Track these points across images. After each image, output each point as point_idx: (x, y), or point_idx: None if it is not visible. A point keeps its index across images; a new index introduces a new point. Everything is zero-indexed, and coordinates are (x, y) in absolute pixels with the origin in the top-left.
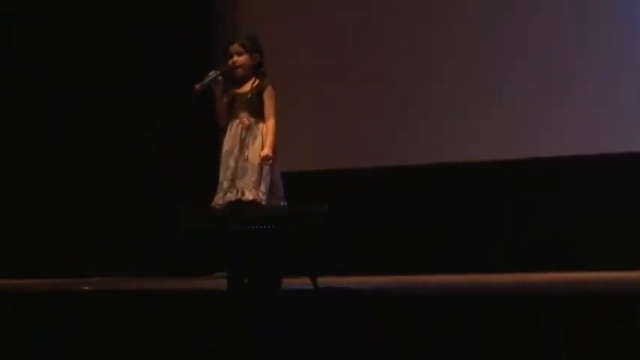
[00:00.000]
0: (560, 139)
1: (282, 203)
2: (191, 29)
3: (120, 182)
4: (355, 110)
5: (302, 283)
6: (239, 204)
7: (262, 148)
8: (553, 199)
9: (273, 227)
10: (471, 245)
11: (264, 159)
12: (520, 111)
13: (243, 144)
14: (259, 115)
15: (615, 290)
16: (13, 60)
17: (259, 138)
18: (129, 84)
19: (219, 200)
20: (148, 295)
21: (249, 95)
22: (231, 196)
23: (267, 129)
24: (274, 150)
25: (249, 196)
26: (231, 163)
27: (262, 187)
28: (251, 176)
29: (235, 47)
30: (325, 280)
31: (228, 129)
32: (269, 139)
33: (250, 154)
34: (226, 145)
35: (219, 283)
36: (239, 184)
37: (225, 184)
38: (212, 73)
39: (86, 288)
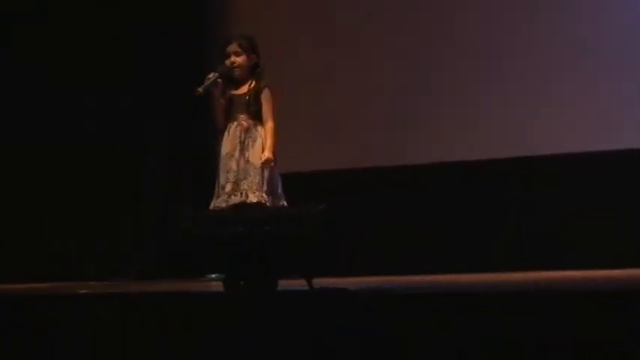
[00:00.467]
0: (561, 136)
1: (282, 204)
2: (191, 29)
3: (120, 183)
4: (354, 111)
5: (299, 284)
6: (244, 206)
7: (262, 151)
8: (555, 197)
9: (272, 228)
10: (470, 245)
11: (266, 162)
12: (520, 109)
13: (242, 146)
14: (257, 117)
15: (615, 288)
16: (13, 60)
17: (259, 140)
18: (129, 84)
19: (222, 203)
20: (147, 297)
21: (247, 97)
22: (235, 199)
23: (266, 132)
24: (274, 152)
25: (253, 198)
26: (233, 165)
27: (265, 189)
28: (254, 178)
29: (233, 47)
30: (324, 281)
31: (226, 131)
32: (269, 142)
33: (251, 156)
34: (225, 147)
35: (214, 284)
36: (243, 186)
37: (229, 187)
38: (211, 75)
39: (84, 291)
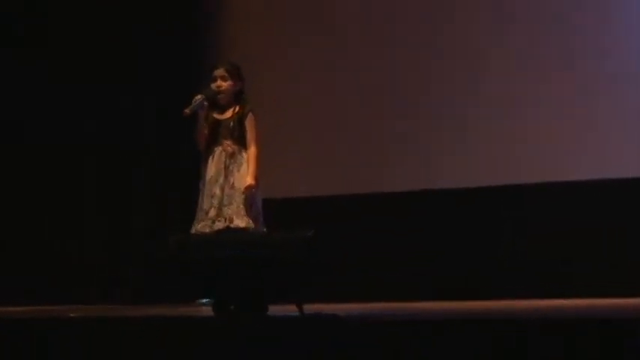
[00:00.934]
0: (546, 164)
1: (264, 230)
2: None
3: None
4: (339, 137)
5: (288, 310)
6: (229, 231)
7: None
8: (539, 225)
9: (259, 253)
10: (456, 271)
11: (248, 189)
12: (507, 137)
13: (227, 171)
14: (242, 142)
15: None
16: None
17: (244, 165)
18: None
19: (205, 228)
20: (137, 322)
21: (232, 122)
22: (219, 225)
23: (249, 157)
24: (256, 178)
25: (239, 223)
26: (217, 191)
27: (250, 214)
28: (239, 203)
29: (220, 72)
30: (311, 307)
31: (210, 156)
32: (251, 168)
33: (236, 181)
34: (210, 172)
35: (204, 309)
36: (227, 211)
37: (212, 212)
38: (198, 97)
39: (73, 315)
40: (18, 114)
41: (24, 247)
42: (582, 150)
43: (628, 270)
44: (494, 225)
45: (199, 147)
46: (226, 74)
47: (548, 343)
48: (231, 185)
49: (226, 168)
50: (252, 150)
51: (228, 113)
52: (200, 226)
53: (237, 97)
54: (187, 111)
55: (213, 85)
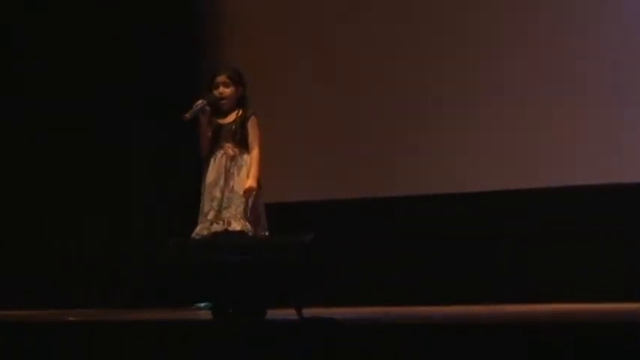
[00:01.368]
0: (545, 169)
1: (265, 233)
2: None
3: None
4: (339, 141)
5: (287, 313)
6: (227, 234)
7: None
8: (538, 230)
9: (256, 257)
10: (455, 275)
11: (248, 191)
12: (506, 142)
13: (228, 174)
14: (244, 146)
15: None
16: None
17: (244, 168)
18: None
19: (203, 231)
20: (135, 326)
21: (234, 126)
22: (217, 227)
23: (251, 160)
24: (258, 181)
25: (236, 226)
26: (217, 193)
27: (249, 218)
28: (238, 207)
29: (222, 78)
30: (310, 311)
31: (212, 159)
32: (253, 171)
33: (236, 184)
34: (210, 175)
35: (203, 313)
36: (225, 214)
37: (211, 215)
38: (200, 102)
39: (71, 318)
40: (18, 114)
41: (24, 247)
42: (586, 154)
43: (625, 275)
44: (493, 229)
45: (202, 151)
46: (228, 80)
47: (549, 347)
48: (231, 188)
49: (227, 171)
50: (254, 152)
51: (231, 117)
52: (199, 229)
53: (240, 102)
54: (187, 115)
55: (216, 92)
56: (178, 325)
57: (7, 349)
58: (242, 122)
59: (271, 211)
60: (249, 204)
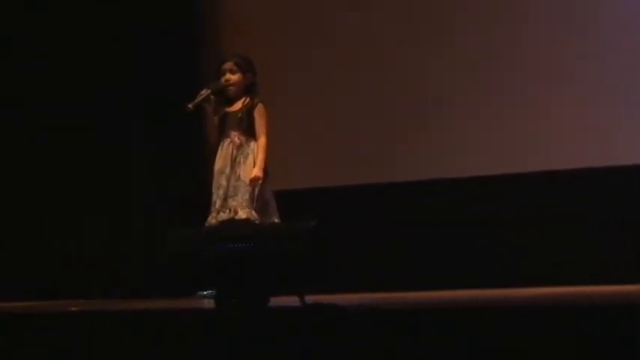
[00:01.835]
0: (552, 153)
1: (275, 220)
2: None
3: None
4: (345, 127)
5: (290, 300)
6: (232, 223)
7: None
8: (541, 213)
9: (262, 245)
10: (459, 261)
11: (254, 180)
12: (507, 127)
13: (234, 162)
14: (250, 134)
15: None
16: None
17: (251, 156)
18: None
19: (212, 220)
20: (138, 315)
21: (240, 114)
22: (224, 215)
23: (257, 148)
24: (265, 169)
25: (242, 214)
26: (223, 182)
27: (255, 206)
28: (243, 195)
29: (229, 65)
30: (314, 298)
31: (219, 147)
32: (259, 159)
33: (242, 172)
34: (218, 163)
35: (206, 302)
36: (231, 202)
37: (218, 203)
38: (204, 92)
39: (74, 308)
40: (18, 114)
41: (24, 247)
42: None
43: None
44: (496, 214)
45: (212, 142)
46: (235, 67)
47: (551, 331)
48: (237, 177)
49: (233, 159)
50: (261, 141)
51: (238, 105)
52: (210, 218)
53: (248, 89)
54: (190, 105)
55: (222, 79)
56: (181, 313)
57: (8, 340)
58: (248, 110)
59: (277, 198)
60: (257, 191)
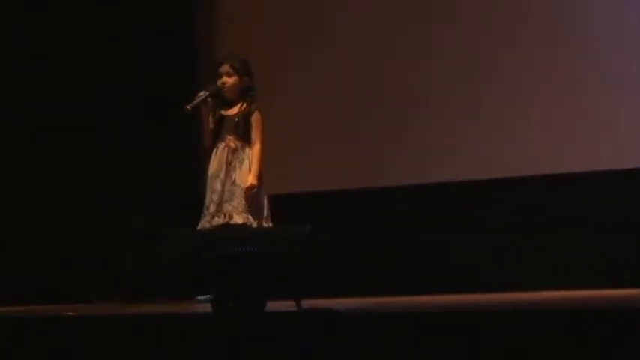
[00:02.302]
0: (548, 155)
1: (268, 225)
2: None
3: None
4: (340, 132)
5: (286, 305)
6: (229, 227)
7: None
8: (539, 217)
9: (259, 249)
10: (455, 265)
11: (249, 189)
12: (501, 131)
13: (229, 167)
14: (246, 140)
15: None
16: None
17: (246, 162)
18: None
19: (205, 224)
20: (135, 319)
21: (237, 118)
22: (218, 220)
23: (252, 155)
24: (259, 176)
25: (237, 220)
26: (218, 186)
27: (251, 211)
28: (240, 200)
29: (225, 68)
30: (309, 302)
31: (214, 151)
32: (254, 167)
33: (237, 177)
34: (212, 167)
35: (203, 306)
36: (227, 207)
37: (212, 208)
38: (201, 94)
39: (71, 313)
40: (18, 114)
41: (24, 247)
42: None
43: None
44: (492, 218)
45: (207, 145)
46: (231, 70)
47: (550, 335)
48: (233, 181)
49: (228, 164)
50: (256, 148)
51: (235, 109)
52: (202, 222)
53: (245, 93)
54: (188, 107)
55: (219, 82)
56: (178, 317)
57: (7, 344)
58: (245, 116)
59: (271, 202)
60: (252, 197)
